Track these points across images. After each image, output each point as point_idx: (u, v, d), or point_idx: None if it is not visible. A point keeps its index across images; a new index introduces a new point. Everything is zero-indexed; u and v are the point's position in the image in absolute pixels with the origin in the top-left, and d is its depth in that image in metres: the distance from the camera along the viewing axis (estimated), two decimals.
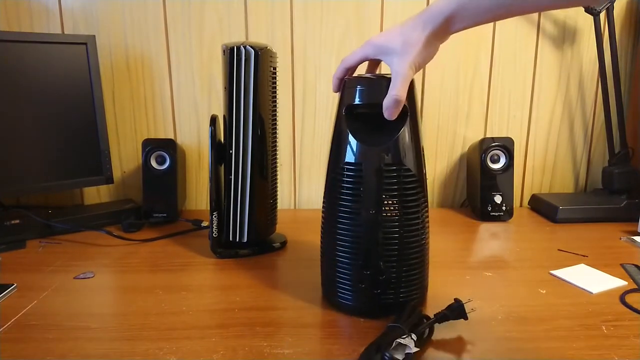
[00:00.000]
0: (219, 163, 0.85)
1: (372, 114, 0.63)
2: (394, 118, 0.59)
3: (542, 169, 1.22)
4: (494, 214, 1.05)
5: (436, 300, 0.67)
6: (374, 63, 0.66)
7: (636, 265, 0.80)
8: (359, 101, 0.62)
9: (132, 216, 1.03)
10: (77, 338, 0.59)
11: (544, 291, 0.71)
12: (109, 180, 1.05)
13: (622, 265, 0.80)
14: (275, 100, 0.85)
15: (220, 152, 0.84)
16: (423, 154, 0.63)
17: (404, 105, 0.61)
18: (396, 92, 0.57)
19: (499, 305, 0.67)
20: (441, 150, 1.20)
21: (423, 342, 0.57)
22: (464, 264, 0.83)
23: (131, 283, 0.76)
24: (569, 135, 1.21)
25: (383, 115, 0.60)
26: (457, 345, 0.57)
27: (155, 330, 0.61)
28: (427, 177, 0.65)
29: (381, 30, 1.12)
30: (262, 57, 0.79)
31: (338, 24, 1.11)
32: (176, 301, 0.69)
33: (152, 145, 1.05)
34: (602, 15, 1.06)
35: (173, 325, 0.62)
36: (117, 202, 1.14)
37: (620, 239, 0.94)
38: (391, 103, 0.58)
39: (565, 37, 1.15)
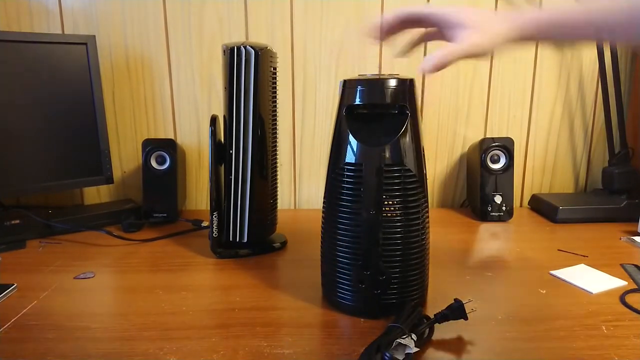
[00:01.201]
0: (219, 163, 0.85)
1: (372, 114, 0.63)
2: (428, 71, 0.52)
3: (542, 169, 1.22)
4: (494, 214, 1.05)
5: (436, 300, 0.67)
6: (430, 35, 0.58)
7: (636, 266, 0.80)
8: (360, 101, 0.62)
9: (132, 216, 1.03)
10: (77, 338, 0.59)
11: (544, 291, 0.72)
12: (109, 180, 1.05)
13: (622, 265, 0.80)
14: (276, 101, 0.85)
15: (220, 152, 0.84)
16: (423, 154, 0.63)
17: (405, 105, 0.61)
18: (446, 51, 0.51)
19: (499, 305, 0.67)
20: (441, 150, 1.20)
21: (423, 342, 0.57)
22: (464, 264, 0.83)
23: (131, 283, 0.76)
24: (569, 135, 1.21)
25: (383, 116, 0.60)
26: (457, 345, 0.57)
27: (155, 330, 0.61)
28: (427, 177, 0.65)
29: None
30: (262, 57, 0.79)
31: (338, 23, 1.11)
32: (176, 301, 0.69)
33: (152, 145, 1.05)
34: None
35: (173, 325, 0.62)
36: (117, 202, 1.14)
37: (620, 239, 0.94)
38: (435, 59, 0.51)
39: None
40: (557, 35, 0.53)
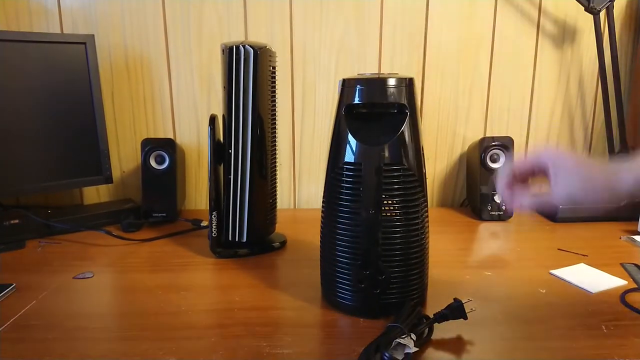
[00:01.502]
0: (218, 163, 0.84)
1: (371, 114, 0.63)
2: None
3: None
4: (494, 213, 1.05)
5: (436, 300, 0.67)
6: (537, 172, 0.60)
7: (636, 265, 0.80)
8: (359, 101, 0.62)
9: (131, 216, 1.03)
10: (76, 338, 0.59)
11: (544, 291, 0.71)
12: (109, 180, 1.05)
13: (622, 264, 0.80)
14: (275, 100, 0.85)
15: (219, 151, 0.84)
16: (423, 154, 0.63)
17: (404, 104, 0.61)
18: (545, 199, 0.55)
19: (499, 305, 0.67)
20: (441, 149, 1.20)
21: (422, 341, 0.56)
22: (464, 263, 0.83)
23: (130, 283, 0.75)
24: (569, 134, 1.21)
25: (383, 115, 0.60)
26: (456, 345, 0.57)
27: (154, 330, 0.61)
28: (426, 177, 0.65)
29: (380, 30, 1.11)
30: (261, 57, 0.79)
31: (337, 23, 1.11)
32: (175, 301, 0.69)
33: (151, 145, 1.04)
34: (602, 14, 1.05)
35: (172, 325, 0.62)
36: (116, 201, 1.14)
37: (620, 238, 0.94)
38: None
39: (565, 36, 1.15)
40: None
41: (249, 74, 0.79)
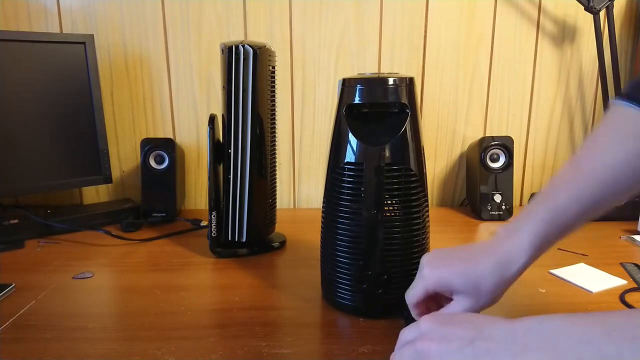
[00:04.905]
0: (218, 162, 0.84)
1: (372, 113, 0.62)
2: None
3: (542, 168, 1.22)
4: (494, 213, 1.05)
5: None
6: (437, 296, 0.56)
7: (636, 264, 0.80)
8: (359, 100, 0.61)
9: (131, 216, 1.03)
10: (75, 338, 0.59)
11: (544, 290, 0.71)
12: (108, 179, 1.05)
13: (621, 264, 0.80)
14: (274, 99, 0.85)
15: (219, 151, 0.84)
16: (423, 153, 0.63)
17: (405, 104, 0.61)
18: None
19: (498, 304, 0.67)
20: (441, 149, 1.20)
21: None
22: None
23: (130, 283, 0.75)
24: (569, 134, 1.21)
25: (383, 115, 0.60)
26: None
27: (153, 330, 0.61)
28: (427, 176, 0.64)
29: (380, 29, 1.12)
30: (261, 56, 0.79)
31: (337, 22, 1.11)
32: (175, 301, 0.69)
33: (150, 145, 1.04)
34: (602, 13, 1.05)
35: (171, 325, 0.62)
36: (116, 201, 1.14)
37: (620, 237, 0.93)
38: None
39: (565, 35, 1.15)
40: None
41: (249, 73, 0.79)
